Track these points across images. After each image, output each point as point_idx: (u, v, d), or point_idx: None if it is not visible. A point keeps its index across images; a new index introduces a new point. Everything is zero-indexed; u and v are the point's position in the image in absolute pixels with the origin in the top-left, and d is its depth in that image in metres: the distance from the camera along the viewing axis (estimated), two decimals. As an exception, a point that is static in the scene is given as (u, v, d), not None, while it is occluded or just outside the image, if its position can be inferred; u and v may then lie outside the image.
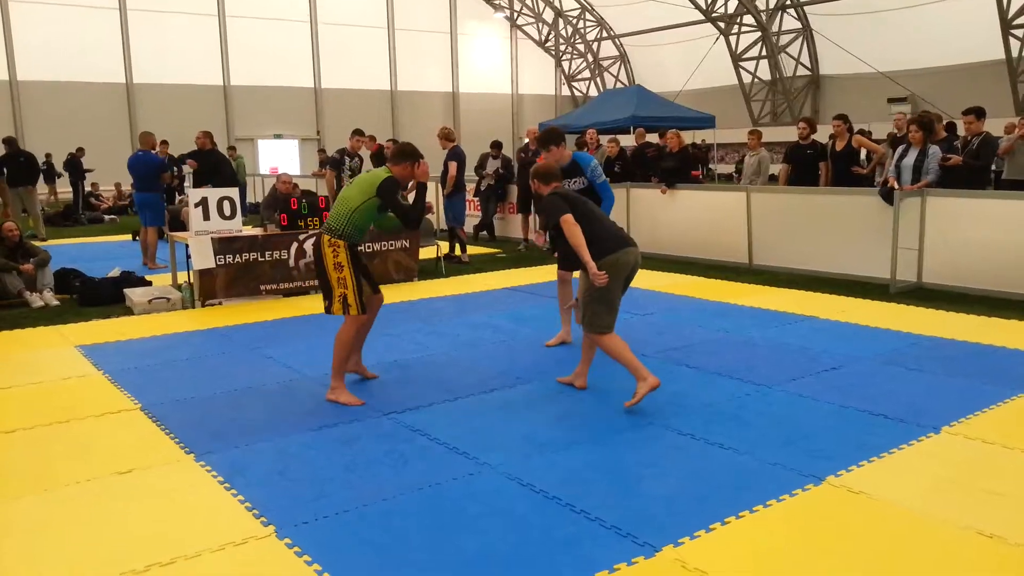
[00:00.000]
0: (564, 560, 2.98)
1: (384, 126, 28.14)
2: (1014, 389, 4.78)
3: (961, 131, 10.45)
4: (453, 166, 10.73)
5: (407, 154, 5.07)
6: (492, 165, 13.04)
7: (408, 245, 9.32)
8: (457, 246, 10.99)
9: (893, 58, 22.65)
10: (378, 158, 11.98)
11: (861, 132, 10.06)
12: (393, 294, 8.45)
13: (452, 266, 10.36)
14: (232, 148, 21.86)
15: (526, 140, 12.57)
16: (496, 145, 13.24)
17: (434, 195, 12.95)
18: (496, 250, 12.09)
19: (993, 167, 9.82)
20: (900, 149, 8.42)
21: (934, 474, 3.66)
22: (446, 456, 4.01)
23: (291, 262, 8.45)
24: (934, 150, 8.08)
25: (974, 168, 8.35)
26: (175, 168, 14.26)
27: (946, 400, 4.64)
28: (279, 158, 26.99)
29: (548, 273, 9.61)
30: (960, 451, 3.92)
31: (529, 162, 11.80)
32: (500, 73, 33.14)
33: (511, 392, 5.05)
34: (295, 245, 8.46)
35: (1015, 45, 20.71)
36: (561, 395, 4.97)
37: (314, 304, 7.95)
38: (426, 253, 10.02)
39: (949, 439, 4.07)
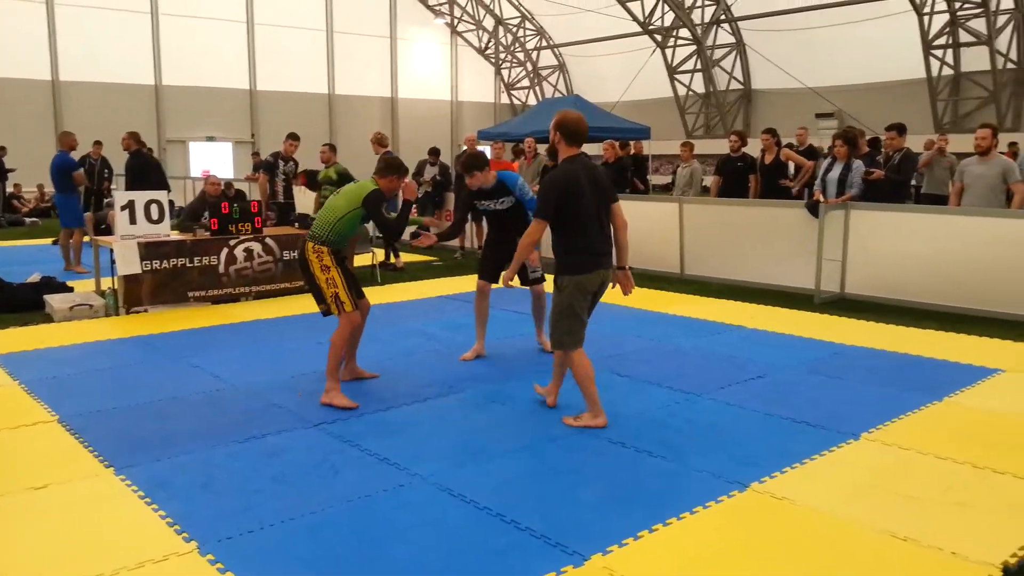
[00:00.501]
0: (494, 570, 2.98)
1: (321, 130, 27.76)
2: (929, 397, 4.97)
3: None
4: (389, 172, 10.66)
5: (394, 167, 5.19)
6: (430, 172, 12.99)
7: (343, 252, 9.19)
8: (392, 254, 10.92)
9: (821, 74, 23.39)
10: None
11: (789, 146, 10.35)
12: (327, 301, 8.34)
13: (387, 273, 10.28)
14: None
15: (464, 147, 12.57)
16: (434, 152, 13.20)
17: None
18: (432, 258, 12.04)
19: (913, 182, 10.22)
20: (825, 163, 8.69)
21: (853, 479, 3.78)
22: (377, 467, 3.97)
23: (221, 268, 8.27)
24: (857, 164, 8.36)
25: (895, 182, 8.67)
26: (107, 171, 13.83)
27: (865, 407, 4.79)
28: (212, 161, 26.39)
29: (484, 281, 9.61)
30: (877, 457, 4.06)
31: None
32: (440, 79, 33.06)
33: (444, 401, 5.03)
34: (226, 251, 8.28)
35: (935, 65, 21.62)
36: (494, 404, 4.97)
37: (244, 312, 7.81)
38: (361, 260, 9.93)
39: (867, 445, 4.21)
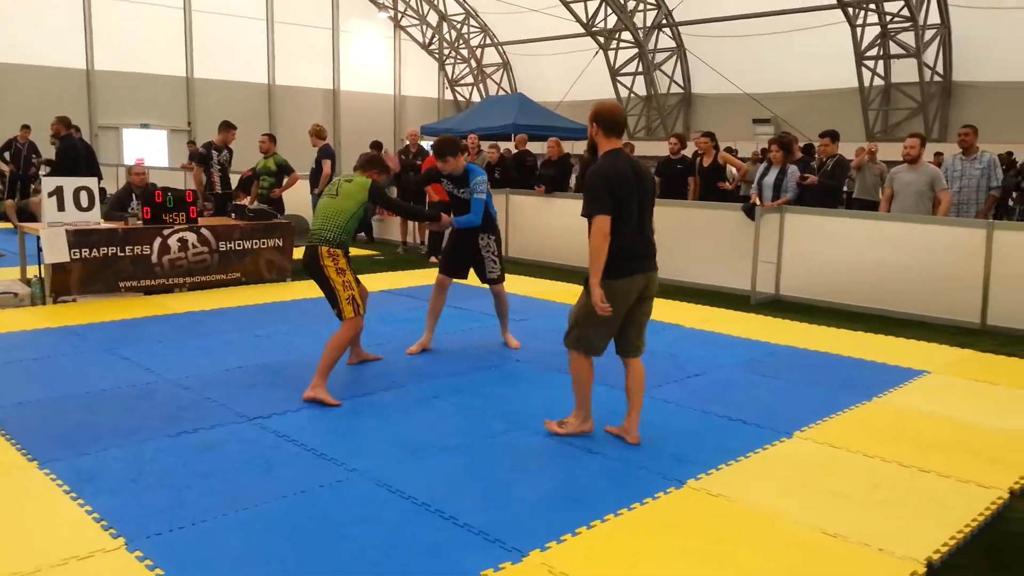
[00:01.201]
0: (431, 567, 2.96)
1: (261, 120, 27.19)
2: (859, 396, 5.12)
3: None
4: (328, 164, 10.52)
5: (377, 163, 5.38)
6: (372, 166, 12.84)
7: (281, 244, 9.04)
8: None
9: (759, 81, 23.90)
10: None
11: (728, 150, 10.55)
12: (264, 294, 8.18)
13: (327, 267, 10.12)
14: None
15: (407, 142, 12.47)
16: (376, 145, 13.04)
17: (308, 194, 12.65)
18: (374, 252, 11.92)
19: (844, 187, 10.53)
20: (762, 168, 8.89)
21: (786, 476, 3.86)
22: (314, 462, 3.90)
23: (154, 258, 8.03)
24: (792, 169, 8.57)
25: (828, 187, 8.92)
26: (34, 156, 13.30)
27: (798, 406, 4.91)
28: (145, 148, 25.60)
29: (425, 276, 9.56)
30: (809, 454, 4.17)
31: (410, 164, 11.73)
32: (383, 73, 32.72)
33: (384, 396, 4.98)
34: (159, 240, 8.04)
35: (867, 75, 22.31)
36: (435, 400, 4.94)
37: (177, 303, 7.60)
38: (300, 253, 9.73)
39: (800, 443, 4.31)
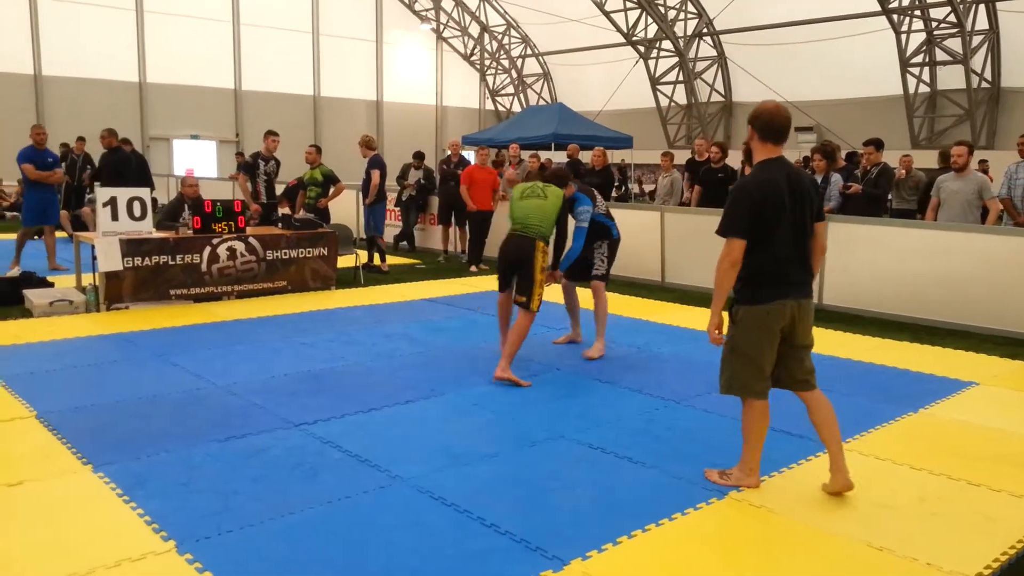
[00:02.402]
0: (473, 573, 2.99)
1: (306, 131, 27.67)
2: (904, 408, 5.04)
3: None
4: (376, 175, 10.67)
5: (562, 176, 5.99)
6: (414, 175, 13.00)
7: (326, 253, 9.19)
8: (376, 256, 10.91)
9: (801, 89, 23.63)
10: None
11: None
12: (309, 303, 8.33)
13: (370, 275, 10.27)
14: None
15: (448, 152, 12.59)
16: (418, 155, 13.22)
17: (355, 204, 12.83)
18: (416, 261, 12.04)
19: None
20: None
21: (829, 488, 3.82)
22: (357, 468, 3.97)
23: (203, 267, 8.22)
24: (836, 178, 8.47)
25: (872, 196, 8.79)
26: (89, 167, 13.69)
27: (843, 417, 4.79)
28: (195, 159, 26.21)
29: (466, 285, 9.64)
30: (854, 466, 4.09)
31: (451, 174, 11.85)
32: (425, 84, 33.05)
33: (426, 404, 5.04)
34: (208, 249, 8.24)
35: (912, 83, 21.93)
36: (475, 407, 4.98)
37: (225, 311, 7.77)
38: (344, 262, 9.90)
39: (845, 455, 4.24)
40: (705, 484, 3.82)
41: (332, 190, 10.47)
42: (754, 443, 3.78)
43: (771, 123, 3.61)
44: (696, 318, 7.85)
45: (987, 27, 20.43)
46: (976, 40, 20.57)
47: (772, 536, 3.34)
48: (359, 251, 10.25)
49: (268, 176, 10.28)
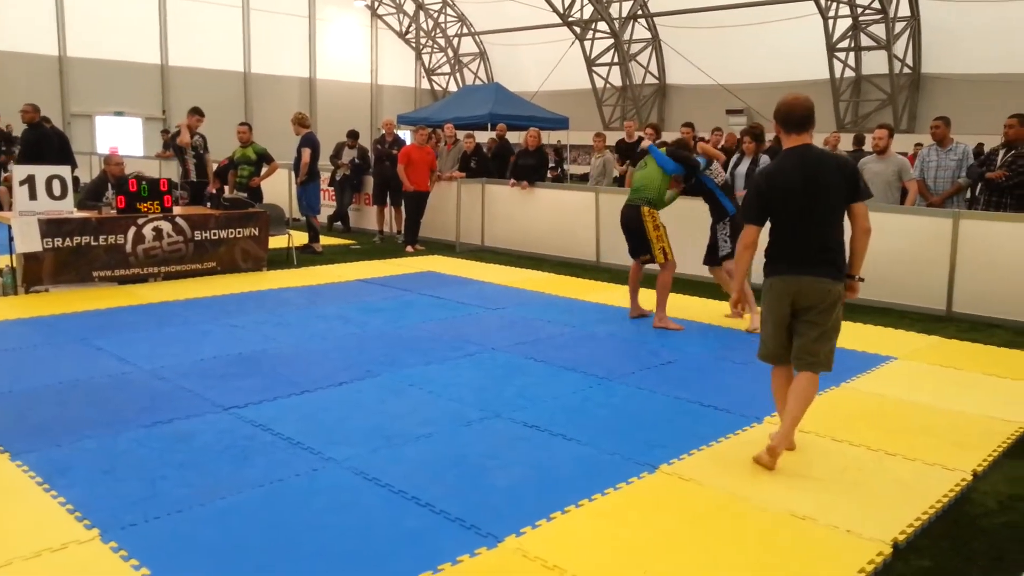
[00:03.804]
0: (408, 553, 2.99)
1: (236, 109, 26.91)
2: (828, 382, 5.17)
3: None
4: (307, 153, 10.46)
5: (685, 146, 7.00)
6: (348, 155, 12.81)
7: (258, 234, 8.99)
8: (311, 236, 10.73)
9: (733, 72, 24.04)
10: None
11: (702, 139, 10.61)
12: (239, 284, 8.15)
13: (304, 256, 10.10)
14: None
15: (383, 131, 12.43)
16: (352, 134, 13.02)
17: (288, 183, 12.59)
18: (350, 241, 11.89)
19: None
20: (734, 158, 8.96)
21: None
22: (290, 451, 3.92)
23: (128, 248, 7.96)
24: (764, 159, 8.64)
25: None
26: (3, 144, 13.07)
27: (769, 392, 4.96)
28: (120, 137, 25.25)
29: (402, 266, 9.57)
30: (779, 440, 4.23)
31: (386, 154, 11.71)
32: (359, 62, 32.49)
33: (360, 385, 4.99)
34: (133, 229, 7.97)
35: (838, 67, 22.53)
36: (411, 387, 4.96)
37: (152, 293, 7.54)
38: (277, 242, 9.71)
39: (770, 428, 4.37)
40: (638, 459, 3.89)
41: (265, 169, 10.23)
42: (778, 406, 4.05)
43: (790, 114, 3.82)
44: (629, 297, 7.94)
45: (909, 14, 21.08)
46: (899, 27, 21.22)
47: (701, 508, 3.43)
48: (292, 232, 10.06)
49: (196, 151, 9.94)
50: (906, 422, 4.54)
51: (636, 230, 6.59)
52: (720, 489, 3.60)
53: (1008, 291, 7.08)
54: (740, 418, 4.52)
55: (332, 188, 13.00)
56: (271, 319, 6.67)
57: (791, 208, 3.79)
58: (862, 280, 4.03)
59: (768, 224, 3.93)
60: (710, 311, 7.40)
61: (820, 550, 3.09)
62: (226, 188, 10.36)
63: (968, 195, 8.32)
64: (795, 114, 3.80)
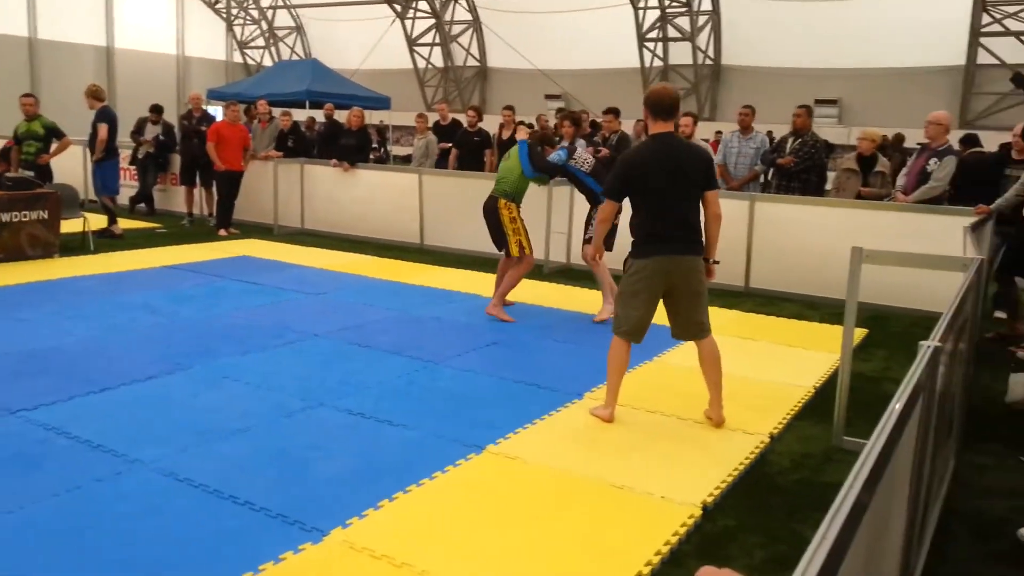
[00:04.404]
0: (226, 555, 2.83)
1: (20, 79, 24.24)
2: (641, 357, 5.42)
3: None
4: (104, 128, 9.61)
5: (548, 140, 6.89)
6: (151, 131, 11.93)
7: (47, 217, 8.18)
8: (109, 219, 9.89)
9: (551, 58, 24.66)
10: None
11: (522, 123, 10.80)
12: (27, 273, 7.40)
13: (102, 241, 9.30)
14: None
15: (190, 106, 11.65)
16: (156, 109, 12.13)
17: (82, 161, 11.55)
18: (156, 224, 11.10)
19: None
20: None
21: (577, 436, 4.07)
22: (89, 455, 3.60)
23: None
24: (580, 143, 8.93)
25: (614, 160, 9.38)
26: None
27: (588, 368, 5.16)
28: None
29: (214, 250, 9.06)
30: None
31: (193, 130, 11.00)
32: (164, 31, 30.23)
33: (169, 379, 4.67)
34: None
35: (647, 56, 23.70)
36: (226, 380, 4.70)
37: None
38: (70, 227, 8.88)
39: (590, 403, 4.55)
40: (465, 441, 3.91)
41: (56, 145, 9.31)
42: (614, 378, 4.23)
43: (658, 102, 4.07)
44: (454, 279, 7.98)
45: (711, 9, 22.49)
46: (702, 20, 22.60)
47: (526, 484, 3.50)
48: (87, 214, 9.23)
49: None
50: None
51: (493, 223, 6.44)
52: (544, 465, 3.69)
53: (796, 267, 7.75)
54: (563, 395, 4.65)
55: (134, 167, 12.07)
56: (65, 311, 6.09)
57: (655, 188, 4.05)
58: (717, 263, 4.32)
59: (631, 207, 4.20)
60: (531, 291, 7.56)
61: (637, 517, 3.25)
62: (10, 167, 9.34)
63: (761, 180, 9.02)
64: (664, 103, 4.08)
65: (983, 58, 19.49)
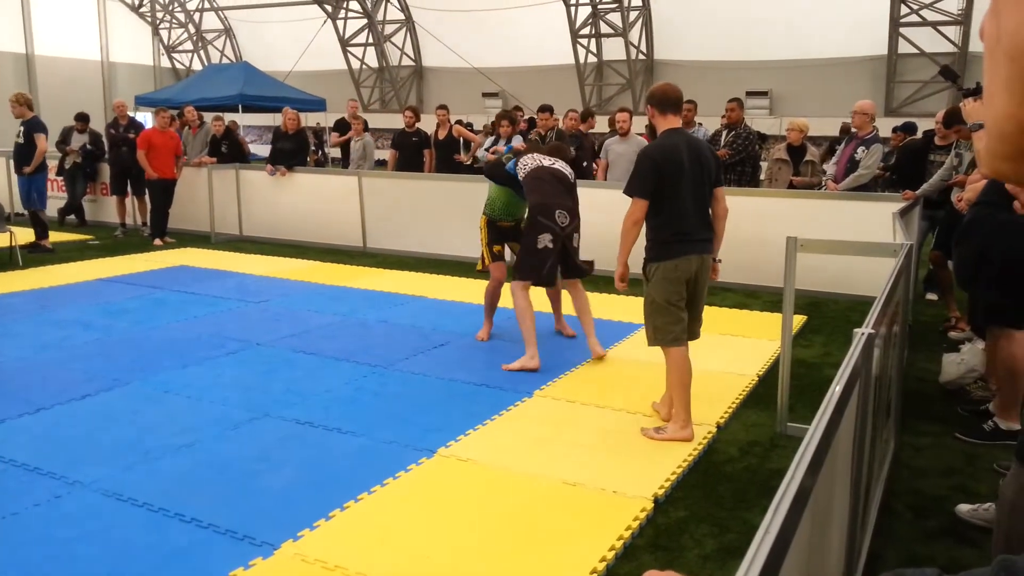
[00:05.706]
0: (175, 575, 2.76)
1: (-70, 88, 23.27)
2: (589, 354, 5.50)
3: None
4: (43, 139, 9.29)
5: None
6: (78, 140, 11.54)
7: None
8: (39, 233, 9.55)
9: (486, 56, 24.63)
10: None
11: (459, 123, 10.78)
12: (-51, 292, 7.08)
13: (31, 256, 8.97)
14: None
15: (116, 114, 11.30)
16: (82, 117, 11.74)
17: (6, 173, 11.11)
18: (87, 236, 10.76)
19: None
20: (490, 140, 9.20)
21: (528, 434, 4.08)
22: (24, 478, 3.47)
23: None
24: (517, 140, 8.96)
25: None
26: None
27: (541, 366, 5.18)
28: None
29: (150, 261, 8.83)
30: (549, 411, 4.43)
31: (121, 139, 10.70)
32: (86, 37, 29.28)
33: (108, 396, 4.54)
34: None
35: (581, 53, 23.87)
36: (167, 394, 4.59)
37: None
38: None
39: (540, 401, 4.57)
40: (416, 445, 3.89)
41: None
42: (683, 394, 4.01)
43: (664, 97, 3.96)
44: (400, 282, 7.92)
45: (641, 4, 22.76)
46: (633, 15, 22.85)
47: (480, 486, 3.50)
48: (14, 228, 8.89)
49: None
50: (659, 384, 4.89)
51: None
52: (497, 466, 3.69)
53: (734, 258, 7.84)
54: (512, 394, 4.66)
55: (61, 178, 11.67)
56: (-8, 330, 5.86)
57: (681, 184, 3.88)
58: (719, 261, 4.24)
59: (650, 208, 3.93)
60: (477, 291, 7.54)
61: (591, 513, 3.27)
62: None
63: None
64: (671, 96, 3.98)
65: (903, 48, 20.15)
